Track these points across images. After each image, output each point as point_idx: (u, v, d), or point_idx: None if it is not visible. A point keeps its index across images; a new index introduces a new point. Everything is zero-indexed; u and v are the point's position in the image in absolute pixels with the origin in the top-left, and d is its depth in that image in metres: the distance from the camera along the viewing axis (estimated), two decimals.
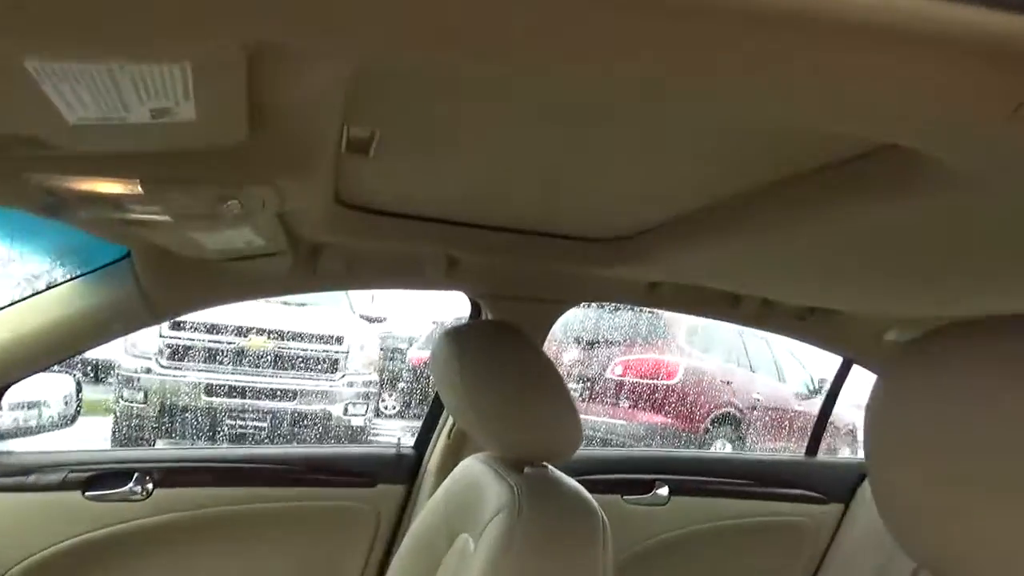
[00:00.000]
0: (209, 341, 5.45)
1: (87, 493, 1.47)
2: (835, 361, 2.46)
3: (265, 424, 5.41)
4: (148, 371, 5.17)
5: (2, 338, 1.40)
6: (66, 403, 1.72)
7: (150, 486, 1.49)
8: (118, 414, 5.12)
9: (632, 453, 3.00)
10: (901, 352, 0.71)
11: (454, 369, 1.32)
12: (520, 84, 0.78)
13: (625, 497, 2.02)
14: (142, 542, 1.50)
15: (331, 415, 5.66)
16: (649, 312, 6.63)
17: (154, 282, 1.45)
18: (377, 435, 6.00)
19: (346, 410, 5.72)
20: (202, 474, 1.56)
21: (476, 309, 1.83)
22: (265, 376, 5.59)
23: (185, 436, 5.20)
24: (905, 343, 0.73)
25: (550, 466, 1.32)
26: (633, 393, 6.55)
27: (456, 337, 1.37)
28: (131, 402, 5.12)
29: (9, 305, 1.43)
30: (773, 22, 0.45)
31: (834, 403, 2.51)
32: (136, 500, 1.48)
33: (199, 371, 5.42)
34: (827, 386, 2.56)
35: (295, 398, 5.62)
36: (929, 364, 0.68)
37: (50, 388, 1.67)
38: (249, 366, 5.57)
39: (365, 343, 6.19)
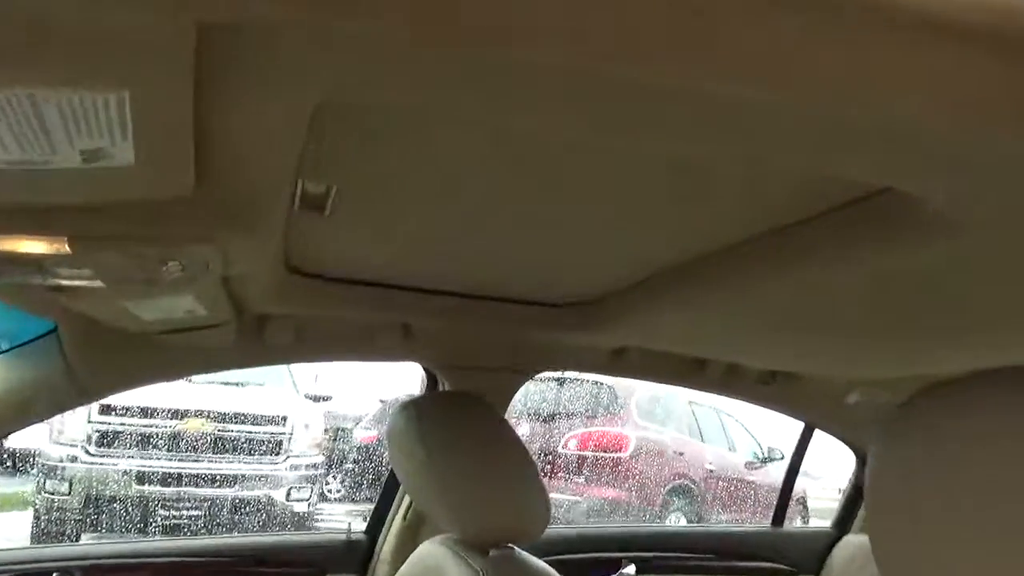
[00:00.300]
0: (142, 425, 5.16)
1: None
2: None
3: (202, 513, 5.09)
4: (74, 459, 4.85)
5: None
6: None
7: None
8: (39, 507, 4.76)
9: (597, 531, 2.90)
10: (895, 415, 0.70)
11: (413, 443, 1.23)
12: (483, 144, 0.76)
13: None
14: None
15: (273, 500, 5.37)
16: (598, 384, 6.61)
17: (83, 359, 1.33)
18: (322, 521, 5.71)
19: (289, 495, 5.44)
20: (132, 571, 1.42)
21: (432, 380, 1.75)
22: (203, 461, 5.30)
23: (113, 529, 4.85)
24: (899, 406, 0.71)
25: (516, 547, 1.23)
26: (586, 468, 6.45)
27: (415, 409, 1.29)
28: (54, 493, 4.76)
29: None
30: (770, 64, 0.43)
31: (798, 470, 2.48)
32: None
33: (131, 458, 5.11)
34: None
35: (234, 484, 5.33)
36: (925, 425, 0.66)
37: None
38: (185, 451, 5.28)
39: (309, 423, 5.96)
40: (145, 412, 5.16)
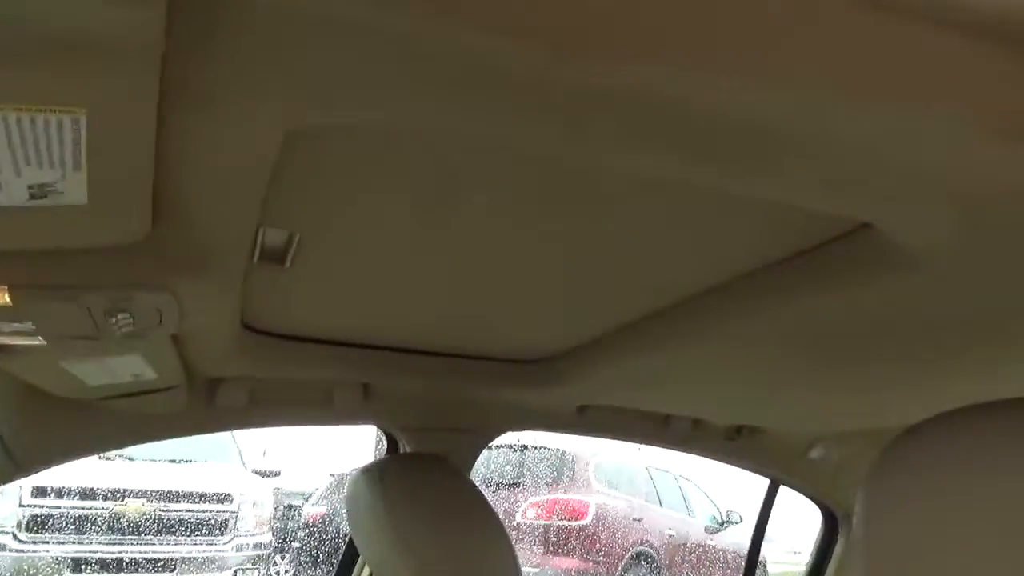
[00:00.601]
0: (79, 508, 4.87)
1: None
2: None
3: None
4: (2, 547, 4.52)
5: None
6: None
7: None
8: None
9: None
10: (883, 456, 0.69)
11: (376, 509, 1.17)
12: (445, 200, 0.75)
13: None
14: None
15: None
16: (559, 450, 6.54)
17: (18, 427, 1.24)
18: None
19: None
20: None
21: (392, 443, 1.68)
22: (144, 544, 5.01)
23: None
24: (886, 447, 0.70)
25: None
26: (546, 537, 6.30)
27: (377, 473, 1.23)
28: None
29: None
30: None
31: (764, 530, 2.44)
32: None
33: (65, 543, 4.80)
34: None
35: (177, 568, 5.04)
36: (914, 463, 0.66)
37: None
38: (125, 534, 4.98)
39: (257, 500, 5.72)
40: (84, 494, 4.88)
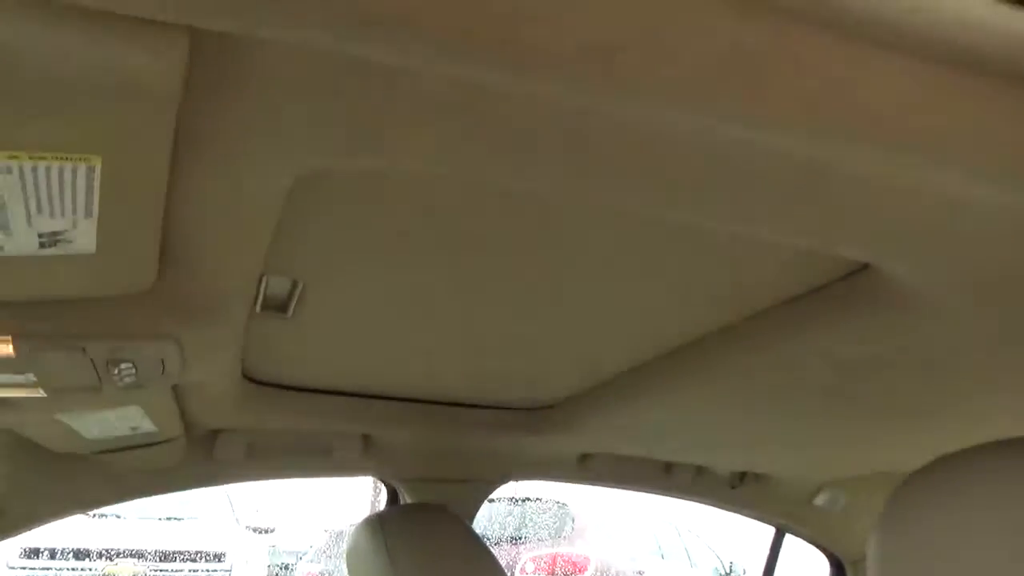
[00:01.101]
0: (68, 569, 4.75)
1: None
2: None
3: None
4: None
5: None
6: None
7: None
8: None
9: None
10: (893, 501, 0.69)
11: (378, 560, 1.15)
12: (446, 250, 0.76)
13: None
14: None
15: None
16: (559, 503, 6.44)
17: (11, 484, 1.22)
18: None
19: None
20: None
21: (393, 494, 1.66)
22: None
23: None
24: (895, 492, 0.70)
25: None
26: None
27: (379, 524, 1.21)
28: None
29: None
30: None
31: None
32: None
33: None
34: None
35: None
36: (925, 507, 0.66)
37: None
38: None
39: (251, 558, 5.59)
40: (76, 554, 4.77)
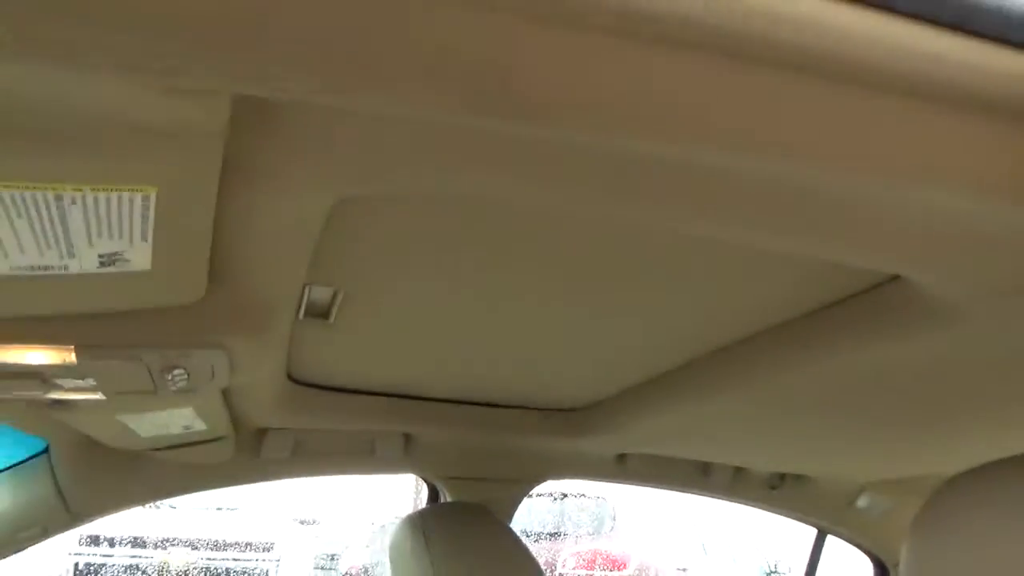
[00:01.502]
0: (126, 556, 4.93)
1: None
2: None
3: None
4: None
5: None
6: None
7: None
8: None
9: None
10: (927, 506, 0.69)
11: (419, 557, 1.18)
12: (487, 252, 0.78)
13: None
14: None
15: None
16: (599, 499, 6.44)
17: (74, 479, 1.29)
18: None
19: None
20: None
21: (434, 492, 1.70)
22: None
23: None
24: (930, 497, 0.70)
25: None
26: None
27: (420, 521, 1.24)
28: None
29: None
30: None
31: None
32: None
33: None
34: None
35: None
36: (959, 513, 0.67)
37: None
38: None
39: (297, 549, 5.73)
40: (131, 542, 4.95)
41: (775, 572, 6.88)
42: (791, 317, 0.93)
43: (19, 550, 1.35)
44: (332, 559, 6.64)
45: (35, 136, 0.39)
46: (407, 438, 1.50)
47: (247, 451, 1.40)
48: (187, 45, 0.32)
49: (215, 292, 0.69)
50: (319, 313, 0.95)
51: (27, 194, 0.45)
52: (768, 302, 0.90)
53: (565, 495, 6.34)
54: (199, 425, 1.16)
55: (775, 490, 1.88)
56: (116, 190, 0.46)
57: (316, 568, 6.03)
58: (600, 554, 6.33)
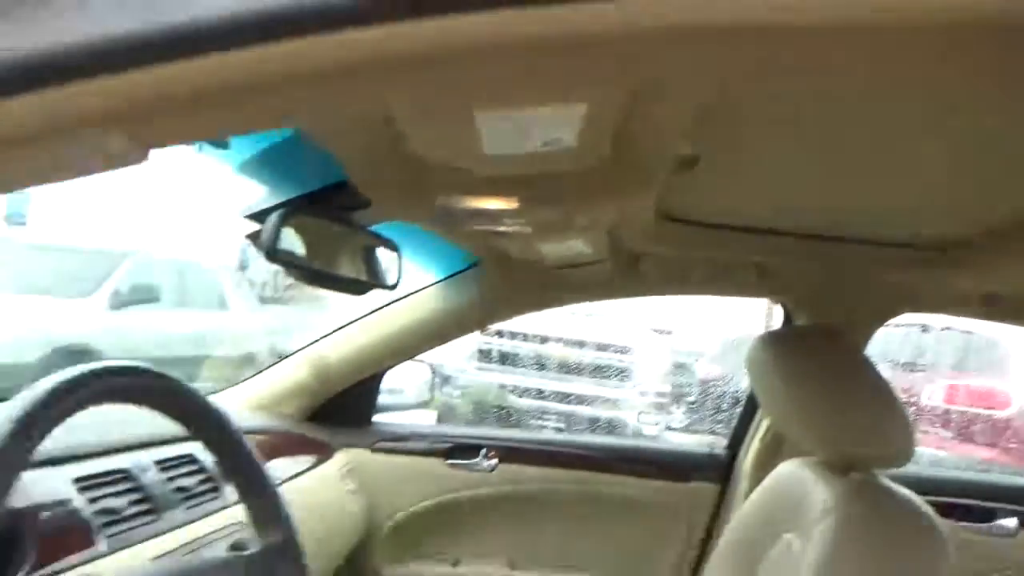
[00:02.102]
0: (513, 346, 5.97)
1: (448, 461, 1.76)
2: None
3: (563, 427, 5.76)
4: (463, 371, 5.80)
5: (382, 333, 1.73)
6: (423, 389, 2.06)
7: (495, 460, 1.74)
8: (439, 409, 5.80)
9: (970, 477, 2.70)
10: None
11: (772, 373, 1.34)
12: (838, 90, 0.79)
13: (961, 524, 1.82)
14: (489, 508, 1.75)
15: (625, 423, 5.87)
16: (970, 332, 5.89)
17: (498, 287, 1.68)
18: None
19: (639, 418, 5.89)
20: (536, 455, 1.77)
21: (787, 317, 1.84)
22: (561, 381, 5.98)
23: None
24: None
25: (878, 474, 1.28)
26: (954, 423, 5.84)
27: (774, 341, 1.40)
28: (449, 397, 5.77)
29: (386, 305, 1.76)
30: None
31: None
32: (484, 471, 1.74)
33: (503, 374, 5.97)
34: None
35: (589, 404, 5.92)
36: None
37: (411, 376, 2.00)
38: (547, 371, 6.00)
39: (654, 354, 6.31)
40: (515, 335, 5.94)
41: None
42: None
43: (454, 338, 1.81)
44: (682, 367, 7.16)
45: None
46: (759, 267, 1.64)
47: (623, 272, 1.67)
48: None
49: (613, 159, 0.90)
50: (686, 166, 1.11)
51: (517, 114, 0.68)
52: None
53: (925, 327, 5.89)
54: (587, 250, 1.45)
55: None
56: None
57: (669, 372, 6.59)
58: (973, 390, 5.89)
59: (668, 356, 6.66)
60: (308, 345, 1.76)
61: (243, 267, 9.53)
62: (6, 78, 0.35)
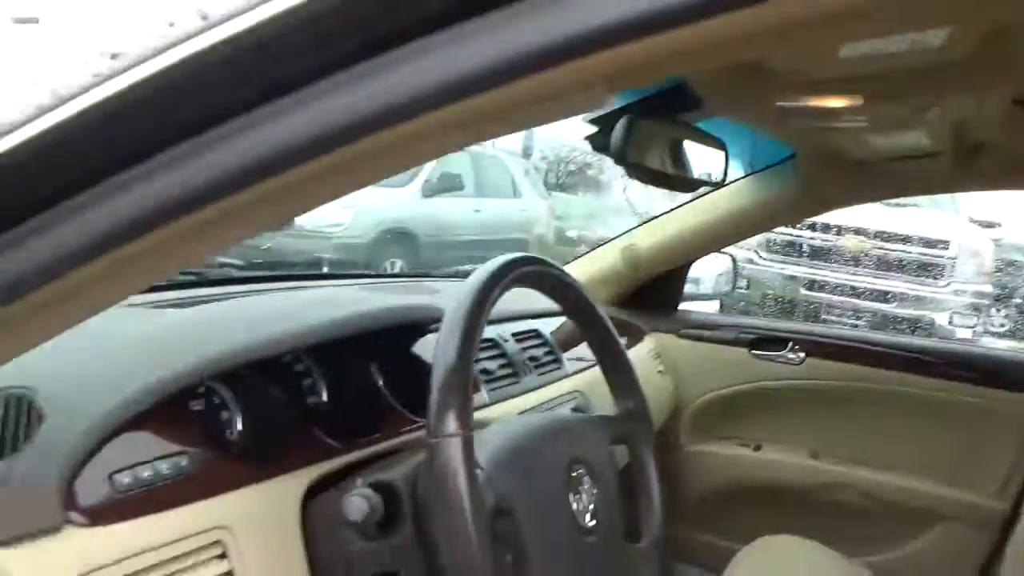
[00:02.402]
0: (807, 238, 5.66)
1: (753, 351, 1.81)
2: None
3: (862, 324, 5.44)
4: (750, 261, 5.64)
5: (692, 224, 1.79)
6: (722, 281, 2.11)
7: (803, 354, 1.76)
8: (723, 299, 5.75)
9: None
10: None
11: None
12: None
13: None
14: (792, 400, 1.79)
15: (933, 323, 5.38)
16: None
17: (815, 180, 1.65)
18: None
19: (951, 320, 5.36)
20: (847, 352, 1.75)
21: None
22: (860, 276, 5.58)
23: None
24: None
25: None
26: None
27: None
28: (737, 288, 5.69)
29: (697, 198, 1.80)
30: None
31: None
32: (791, 364, 1.77)
33: (794, 265, 5.71)
34: None
35: (891, 301, 5.49)
36: None
37: (709, 267, 2.06)
38: (843, 264, 5.63)
39: (977, 250, 5.62)
40: (809, 226, 5.61)
41: None
42: None
43: (764, 231, 1.82)
44: (1012, 265, 6.31)
45: None
46: None
47: (958, 165, 1.54)
48: None
49: (981, 51, 0.85)
50: None
51: None
52: None
53: None
54: (925, 141, 1.36)
55: None
56: None
57: (995, 271, 5.85)
58: None
59: (992, 251, 5.88)
60: (621, 235, 1.88)
61: (527, 154, 10.04)
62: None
